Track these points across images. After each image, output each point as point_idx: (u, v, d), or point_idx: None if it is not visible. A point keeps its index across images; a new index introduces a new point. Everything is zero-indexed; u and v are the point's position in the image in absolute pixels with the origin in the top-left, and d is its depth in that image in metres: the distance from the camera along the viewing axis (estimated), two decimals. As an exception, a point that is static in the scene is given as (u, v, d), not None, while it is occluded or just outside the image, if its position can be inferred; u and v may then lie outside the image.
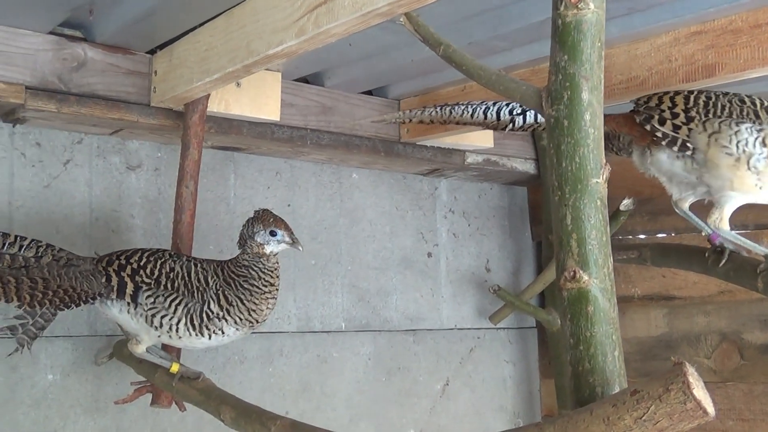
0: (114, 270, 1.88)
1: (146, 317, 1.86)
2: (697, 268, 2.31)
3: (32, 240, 1.86)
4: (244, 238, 1.90)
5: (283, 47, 1.61)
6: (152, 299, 1.85)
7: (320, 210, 2.71)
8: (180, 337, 1.87)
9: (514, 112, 2.16)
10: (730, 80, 1.96)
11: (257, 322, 1.89)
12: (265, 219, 1.89)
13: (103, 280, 1.87)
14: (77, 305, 1.84)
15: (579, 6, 1.27)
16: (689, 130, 2.01)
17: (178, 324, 1.85)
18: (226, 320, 1.86)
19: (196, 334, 1.86)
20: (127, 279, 1.86)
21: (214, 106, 2.14)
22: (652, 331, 2.88)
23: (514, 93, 1.42)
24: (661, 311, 2.87)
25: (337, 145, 2.49)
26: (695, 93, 2.05)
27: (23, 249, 1.84)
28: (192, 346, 1.92)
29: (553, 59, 1.31)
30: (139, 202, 2.35)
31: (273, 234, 1.88)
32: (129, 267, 1.88)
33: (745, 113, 1.99)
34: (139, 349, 1.94)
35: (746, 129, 1.97)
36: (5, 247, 1.83)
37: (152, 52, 2.15)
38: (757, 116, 1.98)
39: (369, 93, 2.61)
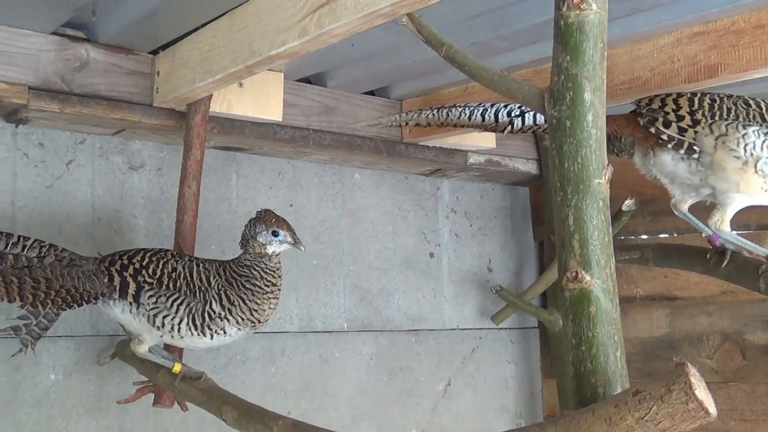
0: (116, 270, 1.88)
1: (148, 317, 1.86)
2: (699, 269, 2.31)
3: (35, 240, 1.87)
4: (247, 238, 1.90)
5: (285, 48, 1.62)
6: (154, 299, 1.86)
7: (322, 210, 2.71)
8: (182, 337, 1.87)
9: (513, 114, 2.14)
10: (733, 81, 1.96)
11: (259, 322, 1.89)
12: (267, 219, 1.89)
13: (106, 280, 1.87)
14: (80, 305, 1.84)
15: (581, 7, 1.27)
16: (695, 132, 2.00)
17: (180, 324, 1.85)
18: (228, 320, 1.86)
19: (198, 334, 1.86)
20: (130, 279, 1.87)
21: (217, 107, 2.14)
22: (654, 332, 2.88)
23: (517, 93, 1.42)
24: (663, 311, 2.87)
25: (339, 145, 2.49)
26: (699, 95, 2.04)
27: (26, 249, 1.85)
28: (194, 346, 1.92)
29: (555, 60, 1.31)
30: (142, 202, 2.35)
31: (275, 234, 1.88)
32: (131, 267, 1.88)
33: (751, 116, 1.98)
34: (142, 349, 1.94)
35: (753, 132, 1.97)
36: (8, 247, 1.83)
37: (155, 52, 2.15)
38: (764, 119, 1.98)
39: (371, 93, 2.61)
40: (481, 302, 3.06)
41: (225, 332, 1.87)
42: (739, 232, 2.18)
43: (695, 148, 2.01)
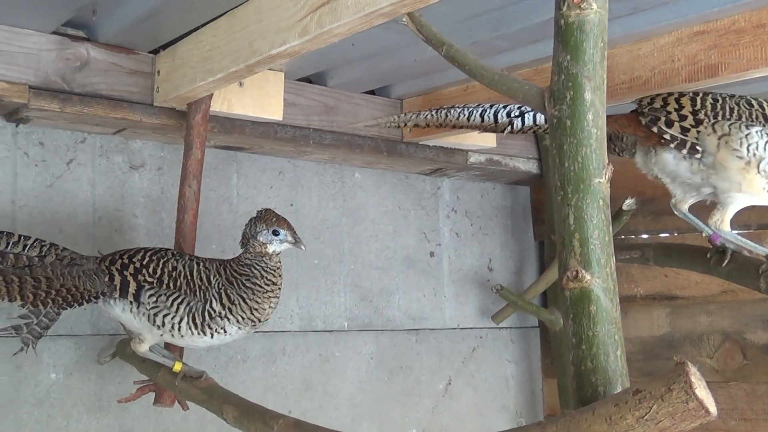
0: (117, 269, 1.88)
1: (149, 316, 1.86)
2: (700, 268, 2.31)
3: (36, 239, 1.87)
4: (247, 237, 1.90)
5: (286, 47, 1.62)
6: (154, 298, 1.86)
7: (323, 209, 2.71)
8: (182, 336, 1.87)
9: (512, 114, 2.12)
10: (733, 80, 1.96)
11: (259, 321, 1.89)
12: (267, 218, 1.89)
13: (106, 279, 1.87)
14: (80, 304, 1.85)
15: (582, 6, 1.27)
16: (698, 132, 2.00)
17: (180, 323, 1.85)
18: (228, 319, 1.86)
19: (199, 333, 1.86)
20: (130, 278, 1.87)
21: (217, 106, 2.14)
22: (654, 331, 2.88)
23: (517, 93, 1.42)
24: (664, 311, 2.87)
25: (339, 144, 2.49)
26: (701, 95, 2.04)
27: (27, 248, 1.85)
28: (194, 345, 1.93)
29: (555, 59, 1.31)
30: (142, 201, 2.35)
31: (276, 233, 1.88)
32: (132, 266, 1.88)
33: (754, 116, 1.98)
34: (142, 348, 1.94)
35: (756, 132, 1.96)
36: (9, 247, 1.83)
37: (155, 51, 2.15)
38: (767, 119, 1.98)
39: (372, 93, 2.61)
40: (482, 301, 3.06)
41: (225, 331, 1.87)
42: (740, 231, 2.18)
43: (698, 147, 2.01)
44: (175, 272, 1.87)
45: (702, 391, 1.01)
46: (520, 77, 1.67)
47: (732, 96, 2.03)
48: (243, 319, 1.86)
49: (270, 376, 2.52)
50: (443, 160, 2.74)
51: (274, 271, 1.88)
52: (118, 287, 1.87)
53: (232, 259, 1.92)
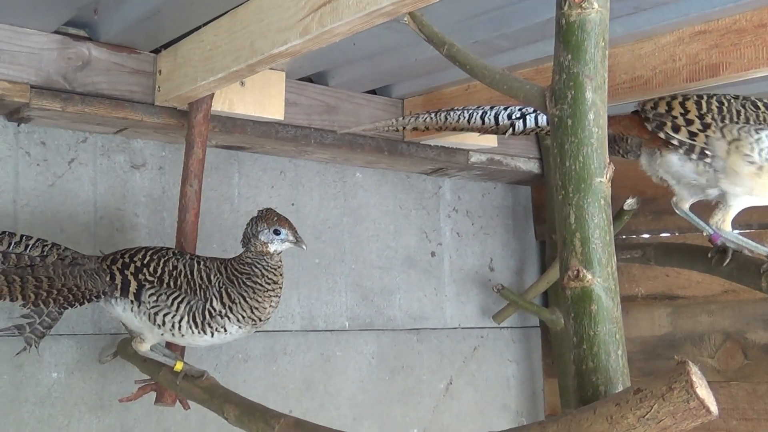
0: (118, 268, 1.88)
1: (149, 315, 1.86)
2: (701, 268, 2.31)
3: (38, 239, 1.87)
4: (248, 236, 1.90)
5: (287, 46, 1.62)
6: (155, 297, 1.86)
7: (324, 209, 2.71)
8: (183, 335, 1.87)
9: (513, 116, 2.09)
10: (734, 80, 1.96)
11: (260, 320, 1.88)
12: (269, 218, 1.89)
13: (108, 278, 1.87)
14: (81, 304, 1.85)
15: (583, 5, 1.27)
16: (706, 137, 1.98)
17: (180, 322, 1.85)
18: (229, 318, 1.86)
19: (199, 332, 1.86)
20: (131, 277, 1.87)
21: (219, 105, 2.14)
22: (655, 331, 2.88)
23: (518, 92, 1.42)
24: (665, 311, 2.87)
25: (341, 144, 2.49)
26: (705, 97, 2.02)
27: (29, 248, 1.85)
28: (195, 344, 1.93)
29: (557, 59, 1.31)
30: (144, 200, 2.35)
31: (277, 233, 1.88)
32: (132, 265, 1.88)
33: (761, 119, 1.97)
34: (143, 348, 1.95)
35: (767, 136, 1.95)
36: (11, 247, 1.84)
37: (157, 51, 2.15)
38: None
39: (373, 92, 2.61)
40: (483, 301, 3.06)
41: (226, 330, 1.87)
42: (741, 231, 2.18)
43: (707, 152, 1.99)
44: (175, 271, 1.87)
45: (703, 391, 1.01)
46: (522, 77, 1.67)
47: (736, 97, 2.02)
48: (243, 317, 1.86)
49: (271, 375, 2.53)
50: (444, 160, 2.74)
51: (275, 270, 1.88)
52: (119, 286, 1.87)
53: (233, 258, 1.92)
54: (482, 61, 1.51)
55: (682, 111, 2.02)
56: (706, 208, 2.14)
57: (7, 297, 1.76)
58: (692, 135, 1.99)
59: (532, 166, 2.98)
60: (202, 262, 1.91)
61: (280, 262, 1.90)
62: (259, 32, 1.70)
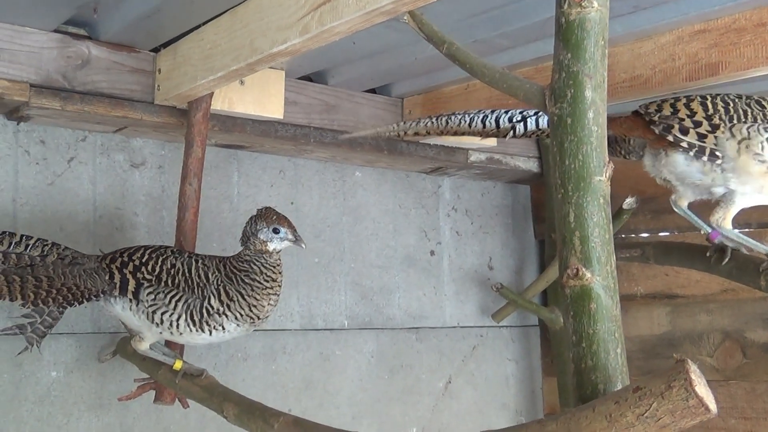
0: (116, 267, 1.88)
1: (147, 314, 1.86)
2: (700, 267, 2.31)
3: (38, 239, 1.87)
4: (247, 235, 1.90)
5: (287, 45, 1.62)
6: (153, 296, 1.86)
7: (323, 208, 2.71)
8: (181, 334, 1.87)
9: (514, 119, 2.07)
10: (734, 79, 1.96)
11: (258, 318, 1.88)
12: (268, 217, 1.89)
13: (107, 277, 1.87)
14: (81, 303, 1.85)
15: (583, 4, 1.27)
16: (716, 138, 1.97)
17: (178, 320, 1.85)
18: (227, 316, 1.86)
19: (197, 330, 1.86)
20: (129, 276, 1.87)
21: (218, 104, 2.14)
22: (654, 330, 2.89)
23: (518, 91, 1.42)
24: (664, 309, 2.87)
25: (340, 143, 2.49)
26: (710, 98, 2.01)
27: (29, 248, 1.85)
28: (194, 343, 1.93)
29: (556, 57, 1.32)
30: (143, 199, 2.35)
31: (276, 231, 1.88)
32: (131, 264, 1.88)
33: None
34: (142, 346, 1.95)
35: None
36: (11, 247, 1.84)
37: (156, 50, 2.15)
38: None
39: (373, 91, 2.61)
40: (482, 300, 3.06)
41: (224, 328, 1.87)
42: (740, 230, 2.17)
43: (717, 153, 1.97)
44: (173, 270, 1.87)
45: (702, 389, 1.01)
46: (521, 75, 1.67)
47: (739, 97, 2.01)
48: (242, 315, 1.86)
49: (270, 374, 2.53)
50: (444, 159, 2.74)
51: (274, 267, 1.88)
52: (117, 285, 1.87)
53: (232, 256, 1.92)
54: (482, 60, 1.51)
55: (689, 113, 1.99)
56: (704, 207, 2.13)
57: (7, 297, 1.76)
58: (701, 137, 1.98)
59: (531, 165, 2.98)
60: (200, 261, 1.90)
61: (279, 261, 1.90)
62: (258, 31, 1.70)
